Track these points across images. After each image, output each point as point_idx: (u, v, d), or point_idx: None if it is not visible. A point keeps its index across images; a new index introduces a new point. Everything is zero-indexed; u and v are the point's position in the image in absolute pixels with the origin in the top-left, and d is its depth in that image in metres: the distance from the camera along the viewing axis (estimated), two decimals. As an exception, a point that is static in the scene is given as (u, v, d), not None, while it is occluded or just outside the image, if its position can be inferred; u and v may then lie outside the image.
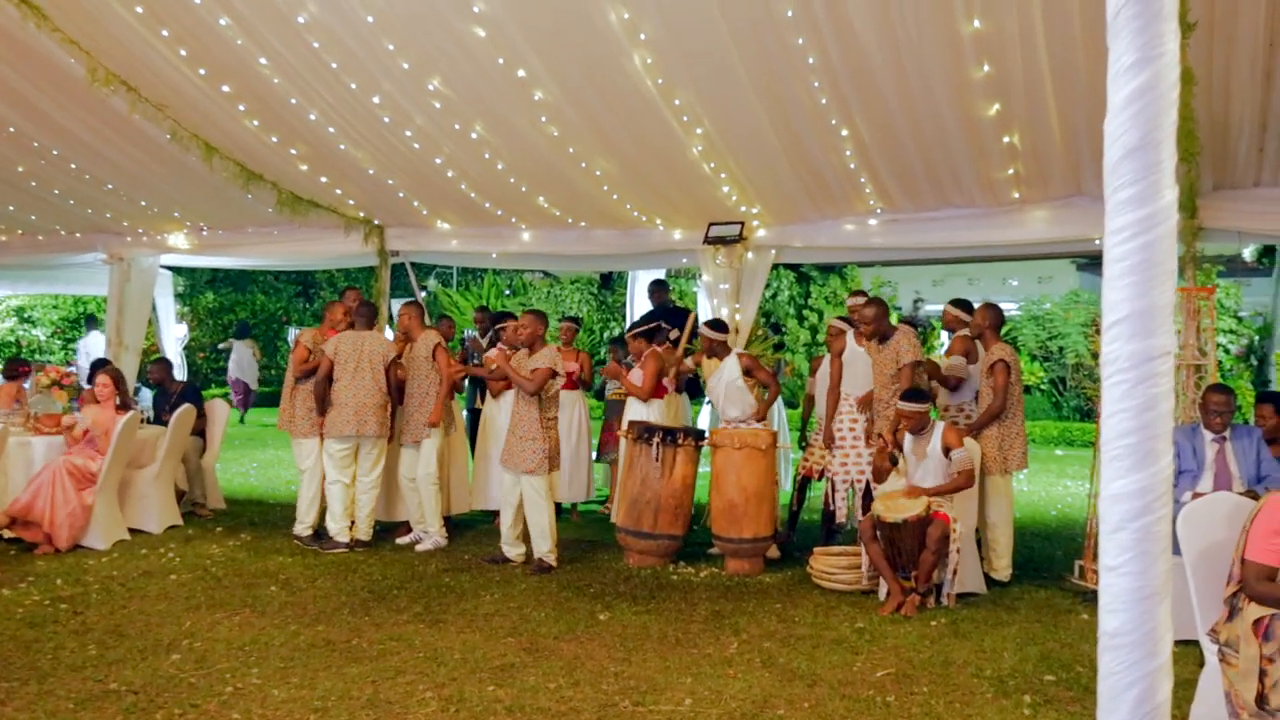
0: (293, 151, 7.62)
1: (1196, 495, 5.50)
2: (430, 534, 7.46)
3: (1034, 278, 24.60)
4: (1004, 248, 7.58)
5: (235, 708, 4.21)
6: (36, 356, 18.15)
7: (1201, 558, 4.00)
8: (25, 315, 19.73)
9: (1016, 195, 7.00)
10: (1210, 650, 3.80)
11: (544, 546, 6.83)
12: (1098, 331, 10.45)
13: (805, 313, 18.68)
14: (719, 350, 7.37)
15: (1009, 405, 6.56)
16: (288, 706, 4.23)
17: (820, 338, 17.67)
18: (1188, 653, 5.06)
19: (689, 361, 7.99)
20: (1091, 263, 22.04)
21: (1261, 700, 3.47)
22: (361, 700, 4.33)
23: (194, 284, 22.68)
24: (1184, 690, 4.50)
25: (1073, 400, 17.12)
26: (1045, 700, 4.48)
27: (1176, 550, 5.33)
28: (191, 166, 7.77)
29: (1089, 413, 16.94)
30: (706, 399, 7.79)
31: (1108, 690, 1.49)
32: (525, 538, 6.97)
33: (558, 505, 8.89)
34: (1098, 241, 7.30)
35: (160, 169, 8.02)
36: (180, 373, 15.21)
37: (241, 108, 7.00)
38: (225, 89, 6.74)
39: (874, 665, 4.95)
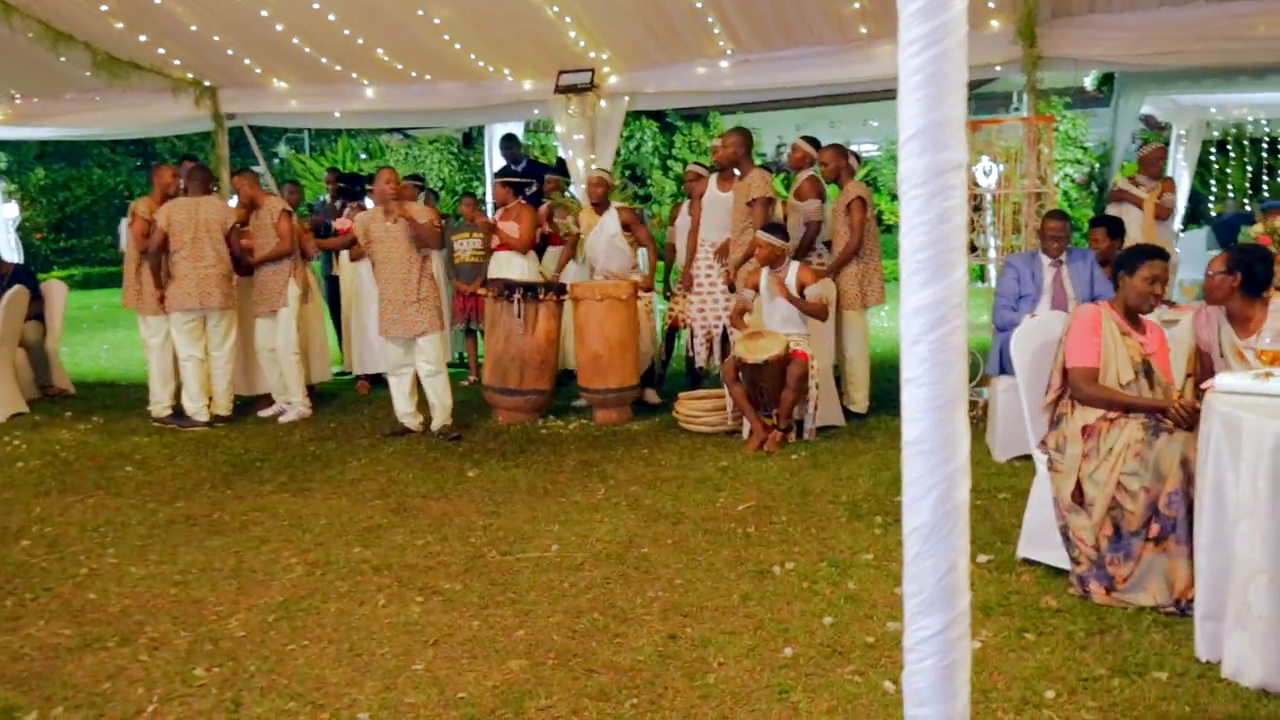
0: (103, 8, 7.05)
1: (1033, 317, 5.76)
2: (294, 404, 7.32)
3: (893, 118, 24.89)
4: (856, 85, 7.58)
5: (91, 588, 4.12)
6: None
7: (1033, 374, 4.21)
8: None
9: (864, 30, 6.98)
10: (1041, 461, 4.04)
11: (448, 411, 6.76)
12: None
13: (669, 162, 18.57)
14: (601, 205, 7.32)
15: (866, 241, 6.69)
16: (147, 583, 4.16)
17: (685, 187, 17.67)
18: (1029, 466, 5.39)
19: (565, 221, 7.90)
20: (947, 101, 22.38)
21: (1078, 493, 3.74)
22: (224, 571, 4.28)
23: (21, 160, 21.24)
24: (1020, 500, 4.81)
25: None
26: (895, 520, 4.71)
27: (1001, 369, 5.60)
28: (-8, 28, 7.13)
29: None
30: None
31: (910, 496, 1.56)
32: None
33: (379, 375, 8.74)
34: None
35: (-43, 31, 7.34)
36: (13, 255, 14.36)
37: (40, -40, 6.42)
38: (19, -62, 6.16)
39: (736, 500, 5.12)
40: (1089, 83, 10.71)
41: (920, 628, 1.58)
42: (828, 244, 7.09)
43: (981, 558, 4.14)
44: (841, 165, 6.82)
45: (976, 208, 6.97)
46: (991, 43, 6.86)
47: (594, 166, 7.92)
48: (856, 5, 6.61)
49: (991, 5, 6.58)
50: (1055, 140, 7.01)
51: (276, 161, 20.43)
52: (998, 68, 7.06)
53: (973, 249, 7.02)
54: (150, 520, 5.03)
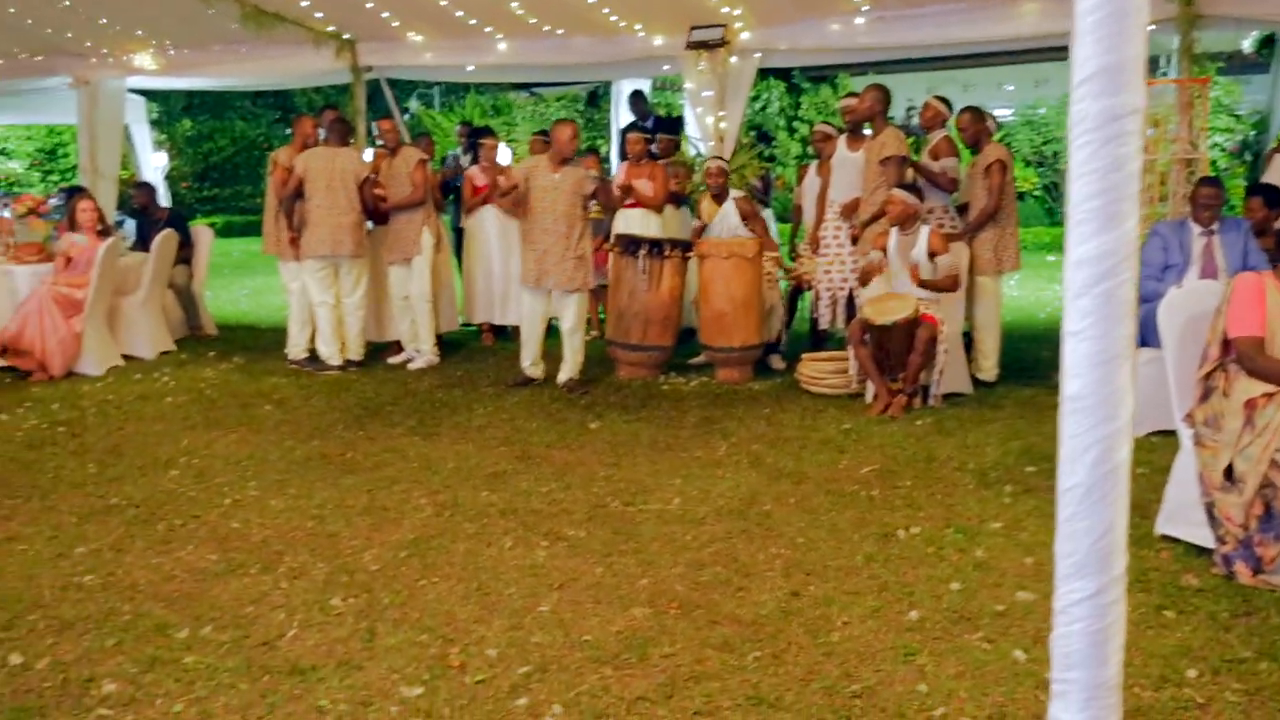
0: (254, -40, 7.27)
1: (1181, 287, 5.51)
2: (423, 352, 7.50)
3: (1030, 81, 23.93)
4: (996, 44, 7.33)
5: (235, 517, 4.33)
6: (15, 189, 17.83)
7: (1181, 346, 4.03)
8: (1, 148, 19.33)
9: (1010, -15, 6.73)
10: (1186, 435, 3.87)
11: (579, 366, 6.82)
12: None
13: (795, 123, 18.29)
14: (721, 196, 7.25)
15: (1003, 206, 6.48)
16: (286, 515, 4.34)
17: (812, 149, 17.38)
18: (1168, 441, 5.18)
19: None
20: (1090, 63, 21.41)
21: (1229, 472, 3.57)
22: (358, 508, 4.44)
23: (170, 112, 22.14)
24: (1161, 476, 4.64)
25: (1065, 206, 16.98)
26: (1025, 490, 4.60)
27: (1157, 342, 5.38)
28: (148, -22, 7.42)
29: (1081, 218, 16.80)
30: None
31: (1068, 453, 1.51)
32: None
33: (504, 327, 8.83)
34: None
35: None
36: (163, 201, 15.03)
37: (196, -88, 6.63)
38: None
39: (859, 462, 5.06)
40: (1247, 45, 10.11)
41: (1072, 590, 1.54)
42: (961, 208, 6.90)
43: (1116, 532, 4.00)
44: (980, 128, 6.61)
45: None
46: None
47: (723, 124, 7.85)
48: (1004, -42, 6.36)
49: (1148, -41, 6.24)
50: (1208, 105, 6.61)
51: (408, 116, 20.81)
52: (1150, 27, 6.70)
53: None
54: (288, 457, 5.23)
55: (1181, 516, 3.88)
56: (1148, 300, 5.67)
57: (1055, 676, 1.61)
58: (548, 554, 3.88)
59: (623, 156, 8.31)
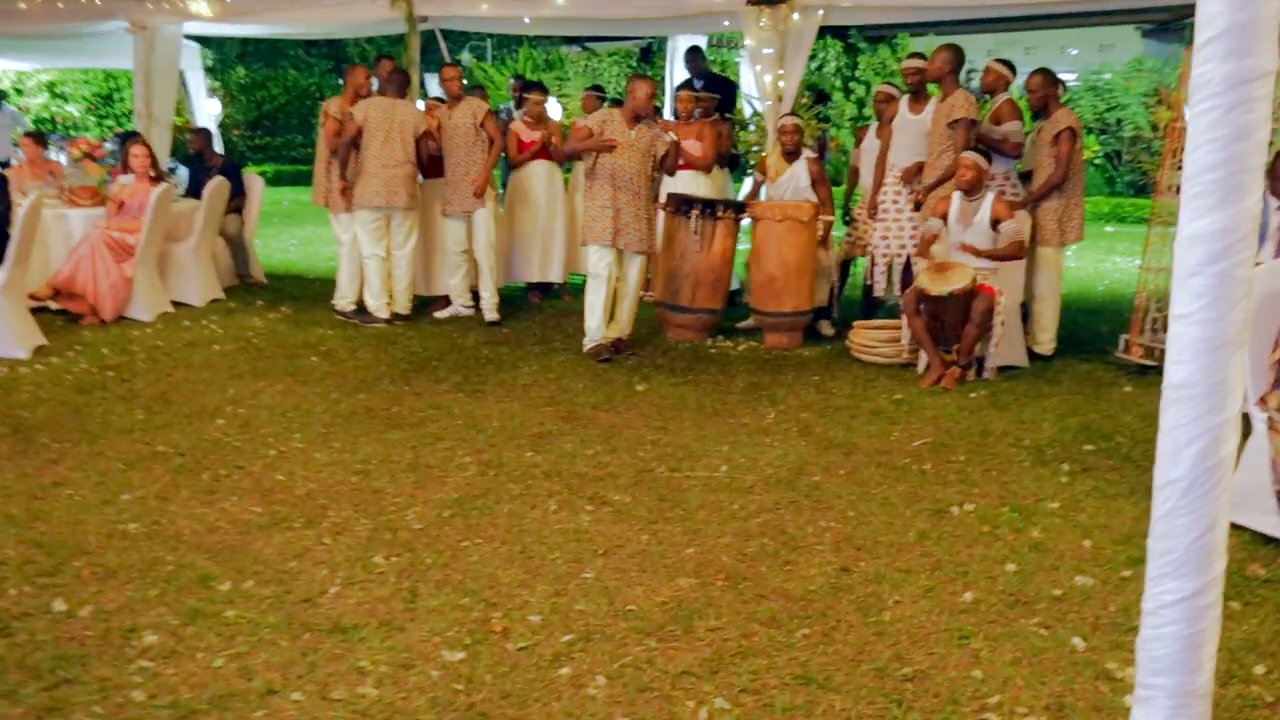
0: (312, -95, 7.16)
1: (1258, 265, 5.30)
2: (487, 300, 7.43)
3: (1095, 46, 23.31)
4: (1065, 3, 7.04)
5: (279, 469, 4.30)
6: (71, 132, 17.98)
7: (1255, 327, 3.85)
8: (57, 91, 19.45)
9: (1085, -55, 6.46)
10: (1259, 419, 3.71)
11: (627, 328, 6.72)
12: (1159, 102, 9.89)
13: (852, 85, 17.91)
14: (794, 154, 7.07)
15: (1071, 175, 6.27)
16: (330, 469, 4.32)
17: (867, 111, 17.02)
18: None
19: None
20: (1159, 28, 20.73)
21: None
22: (402, 464, 4.40)
23: (224, 59, 22.17)
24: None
25: (1127, 175, 16.54)
26: (1083, 469, 4.46)
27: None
28: (206, -77, 7.34)
29: (1143, 188, 16.36)
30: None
31: (1169, 444, 1.40)
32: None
33: (549, 284, 8.72)
34: (1173, -4, 6.77)
35: (173, -74, 7.59)
36: (218, 149, 15.07)
37: None
38: None
39: (911, 435, 4.94)
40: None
41: (1165, 591, 1.43)
42: (1024, 175, 6.69)
43: (1180, 518, 3.86)
44: (1050, 93, 6.38)
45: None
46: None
47: (782, 83, 7.65)
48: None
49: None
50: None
51: (460, 68, 20.74)
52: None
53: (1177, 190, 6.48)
54: (333, 410, 5.21)
55: (1249, 504, 3.72)
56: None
57: (1141, 681, 1.51)
58: (592, 519, 3.82)
59: (675, 115, 8.16)
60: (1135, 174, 16.10)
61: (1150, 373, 6.09)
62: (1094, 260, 11.14)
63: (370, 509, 3.87)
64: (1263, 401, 3.72)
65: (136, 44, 9.59)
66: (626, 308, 6.58)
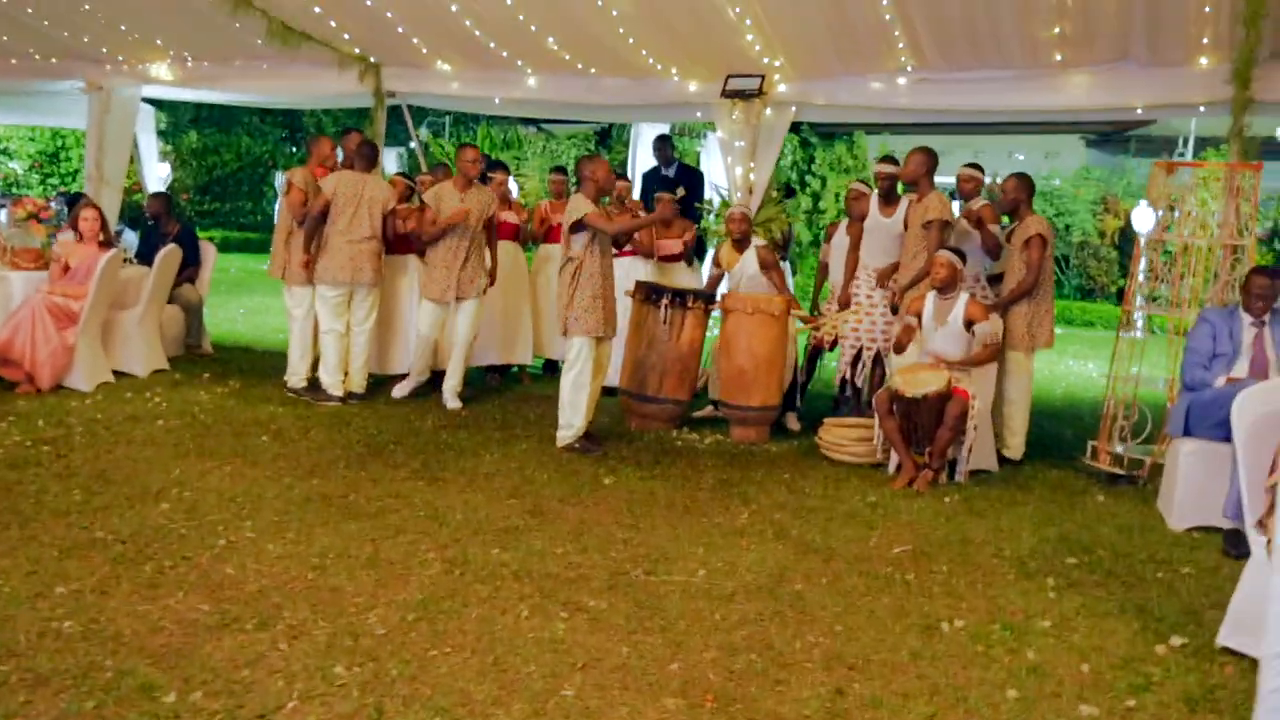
0: (286, -25, 7.06)
1: (1231, 380, 5.30)
2: (449, 385, 7.21)
3: (1040, 153, 24.02)
4: (1045, 114, 7.16)
5: (229, 561, 4.02)
6: (14, 190, 17.54)
7: (1253, 446, 3.79)
8: (2, 148, 19.04)
9: (1058, 57, 6.55)
10: (1257, 543, 3.62)
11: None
12: (1106, 210, 9.99)
13: (808, 179, 18.16)
14: (743, 242, 7.03)
15: (1041, 281, 6.28)
16: (284, 563, 4.04)
17: (823, 205, 17.24)
18: (1210, 538, 4.95)
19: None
20: (1103, 138, 21.43)
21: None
22: (361, 559, 4.14)
23: (177, 123, 21.94)
24: (1209, 577, 4.39)
25: (1075, 279, 16.87)
26: (1069, 583, 4.33)
27: (1202, 432, 5.13)
28: (176, -10, 7.20)
29: (1089, 292, 16.70)
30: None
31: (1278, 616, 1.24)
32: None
33: (554, 363, 8.65)
34: (1140, 110, 6.91)
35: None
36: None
37: (228, -78, 6.43)
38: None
39: (890, 540, 4.79)
40: (1280, 132, 9.99)
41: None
42: (993, 279, 6.70)
43: (1175, 640, 3.75)
44: (1022, 197, 6.42)
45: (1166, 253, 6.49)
46: (1198, 81, 6.38)
47: (752, 176, 7.65)
48: (1056, 30, 6.19)
49: (1205, 41, 6.10)
50: (1259, 192, 6.44)
51: (415, 144, 20.65)
52: (1201, 108, 6.57)
53: (1153, 299, 6.53)
54: (286, 495, 4.93)
55: (1249, 628, 3.61)
56: (1192, 388, 5.47)
57: None
58: (568, 626, 3.59)
59: (644, 200, 8.14)
60: (1083, 278, 16.41)
61: (1120, 482, 6.05)
62: (1048, 363, 11.21)
63: (329, 610, 3.60)
64: (1260, 524, 3.64)
65: (91, 104, 9.37)
66: (592, 396, 6.40)
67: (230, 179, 21.90)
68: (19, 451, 5.39)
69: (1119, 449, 6.28)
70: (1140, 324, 6.59)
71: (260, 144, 22.45)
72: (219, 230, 21.31)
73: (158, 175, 14.63)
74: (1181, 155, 17.84)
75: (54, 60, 9.37)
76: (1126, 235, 15.74)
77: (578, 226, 6.00)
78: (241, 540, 4.27)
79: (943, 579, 4.32)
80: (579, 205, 6.00)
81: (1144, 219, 14.53)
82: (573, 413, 6.16)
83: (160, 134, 18.91)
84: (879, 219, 6.82)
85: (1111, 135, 20.78)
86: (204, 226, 21.50)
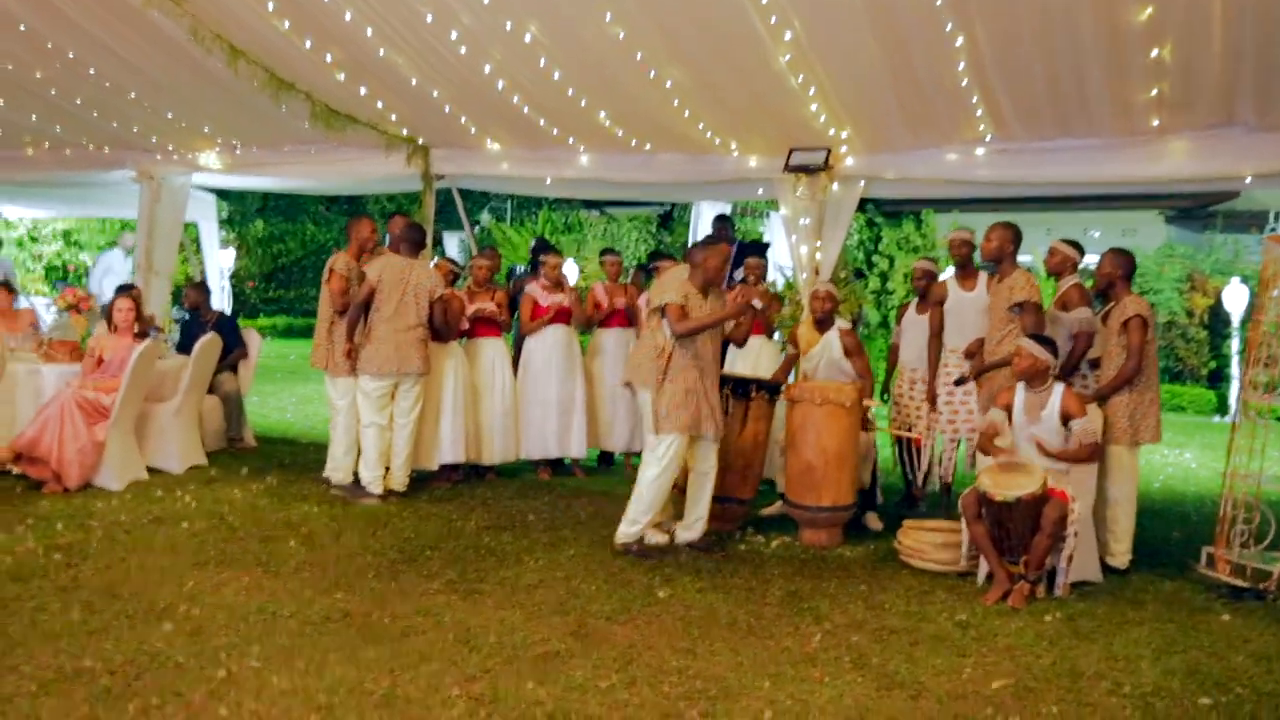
0: (328, 58, 6.80)
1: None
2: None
3: (1118, 230, 23.17)
4: (1134, 184, 6.59)
5: (224, 699, 3.52)
6: (81, 282, 17.71)
7: None
8: (72, 239, 19.32)
9: (1155, 122, 5.99)
10: None
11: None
12: (1194, 288, 9.23)
13: (875, 258, 17.61)
14: (825, 323, 6.55)
15: (1144, 368, 5.64)
16: (286, 700, 3.53)
17: (891, 285, 16.65)
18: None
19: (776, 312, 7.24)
20: (1182, 215, 20.61)
21: None
22: (375, 696, 3.61)
23: (244, 212, 22.21)
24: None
25: (1163, 361, 15.98)
26: (1206, 732, 3.65)
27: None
28: (217, 73, 6.97)
29: (1178, 375, 15.80)
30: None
31: None
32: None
33: (609, 455, 8.17)
34: (1249, 179, 6.30)
35: (184, 74, 7.23)
36: (223, 301, 14.70)
37: (270, 6, 6.18)
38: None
39: (987, 673, 4.14)
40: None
41: None
42: (1093, 363, 6.07)
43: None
44: (1118, 275, 5.81)
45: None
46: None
47: (819, 255, 7.15)
48: (1154, 92, 5.65)
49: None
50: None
51: (478, 229, 20.58)
52: (1248, 179, 5.99)
53: (1273, 388, 5.82)
54: (303, 613, 4.44)
55: None
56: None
57: None
58: (607, 790, 3.01)
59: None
60: (1171, 360, 15.52)
61: (1246, 596, 5.31)
62: (1143, 455, 10.40)
63: (328, 765, 3.08)
64: None
65: (142, 193, 9.25)
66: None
67: (295, 266, 22.04)
68: (29, 560, 5.01)
69: (1239, 557, 5.58)
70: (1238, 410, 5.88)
71: (325, 231, 22.62)
72: (283, 317, 21.39)
73: (221, 264, 14.64)
74: (1274, 230, 17.00)
75: (106, 150, 9.29)
76: (1217, 314, 14.86)
77: (664, 313, 5.56)
78: (244, 671, 3.77)
79: (1054, 724, 3.67)
80: (669, 289, 5.56)
81: (1237, 297, 13.74)
82: (640, 510, 5.63)
83: (224, 223, 19.11)
84: (960, 295, 6.29)
85: (1194, 211, 19.97)
86: (268, 313, 21.62)
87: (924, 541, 5.69)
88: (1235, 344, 13.91)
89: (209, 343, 7.41)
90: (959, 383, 6.29)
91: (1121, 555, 5.76)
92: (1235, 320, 13.82)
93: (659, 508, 5.66)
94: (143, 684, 3.61)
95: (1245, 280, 13.90)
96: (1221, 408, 13.93)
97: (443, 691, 3.68)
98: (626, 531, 5.67)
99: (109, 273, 12.57)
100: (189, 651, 3.93)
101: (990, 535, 5.23)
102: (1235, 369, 13.84)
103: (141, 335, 6.86)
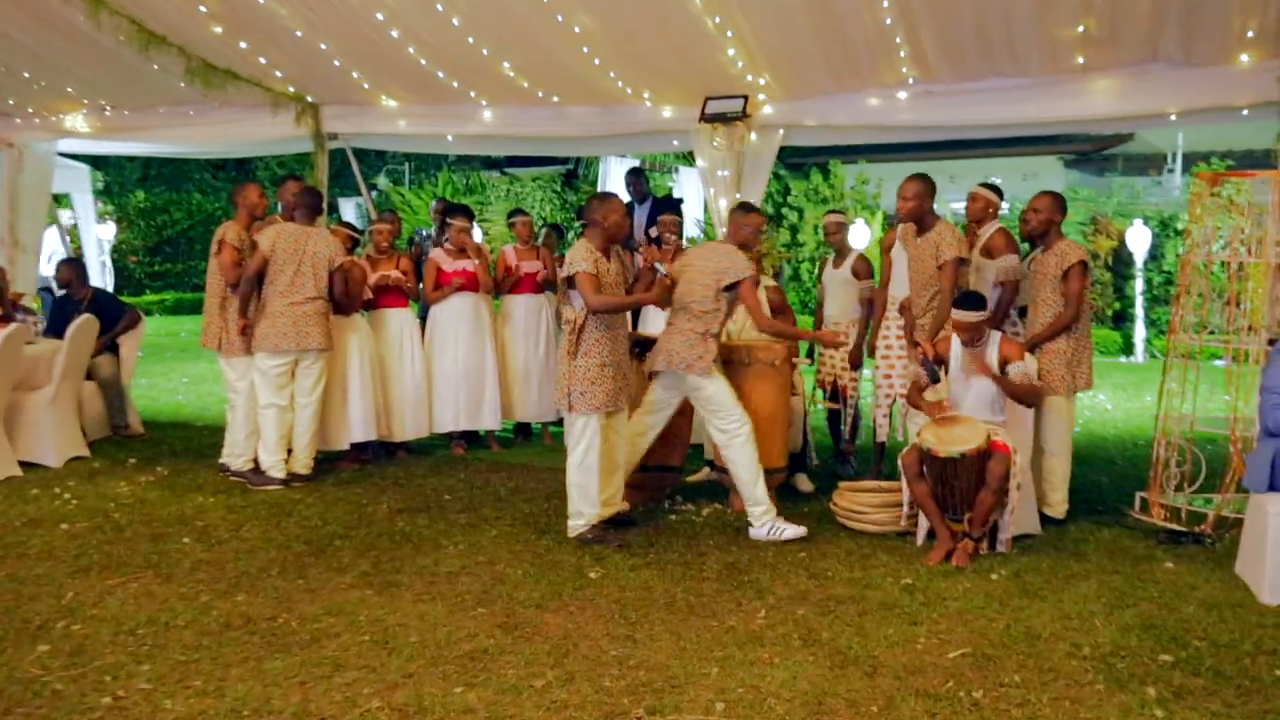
0: (201, 9, 6.22)
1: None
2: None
3: (1018, 175, 23.40)
4: (1063, 125, 6.42)
5: (110, 731, 3.11)
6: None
7: None
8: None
9: (1080, 60, 5.81)
10: None
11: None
12: (1098, 231, 9.07)
13: (784, 210, 17.43)
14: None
15: (1080, 314, 5.49)
16: (183, 728, 3.13)
17: (801, 238, 16.50)
18: None
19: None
20: (1081, 158, 20.89)
21: None
22: (285, 715, 3.23)
23: (123, 181, 21.04)
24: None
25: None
26: (1173, 693, 3.47)
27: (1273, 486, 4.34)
28: (78, 26, 6.35)
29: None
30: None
31: None
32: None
33: (526, 426, 7.85)
34: (1173, 116, 6.17)
35: (39, 27, 6.57)
36: (105, 277, 13.85)
37: (133, -51, 5.61)
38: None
39: (941, 641, 3.93)
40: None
41: None
42: (1021, 310, 5.91)
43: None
44: (1056, 219, 5.62)
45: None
46: (1238, 81, 5.66)
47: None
48: (1080, 29, 5.45)
49: (1250, 34, 5.37)
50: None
51: (375, 193, 19.78)
52: (1244, 111, 5.83)
53: (1204, 328, 5.71)
54: (201, 620, 4.02)
55: None
56: (1275, 434, 4.67)
57: None
58: (553, 811, 2.70)
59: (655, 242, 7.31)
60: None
61: (1184, 540, 5.22)
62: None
63: (232, 805, 2.70)
64: None
65: (2, 162, 8.47)
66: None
67: (181, 238, 20.97)
68: (-119, 576, 4.46)
69: (1174, 501, 5.50)
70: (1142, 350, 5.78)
71: (212, 200, 21.57)
72: (171, 293, 20.39)
73: (99, 238, 13.77)
74: (1170, 171, 17.28)
75: (-39, 116, 8.51)
76: (1120, 256, 15.04)
77: (573, 283, 5.14)
78: (132, 695, 3.35)
79: (1019, 695, 3.46)
80: (578, 257, 5.12)
81: (1140, 238, 13.90)
82: (581, 499, 5.21)
83: (101, 194, 18.02)
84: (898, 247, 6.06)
85: (1092, 154, 20.25)
86: (155, 289, 20.59)
87: (859, 503, 5.47)
88: (1139, 285, 14.08)
89: (84, 324, 6.81)
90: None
91: (1059, 505, 5.63)
92: (1139, 261, 13.99)
93: (597, 489, 5.26)
94: (13, 719, 3.16)
95: (1147, 221, 14.06)
96: (1127, 348, 14.11)
97: (361, 704, 3.31)
98: (573, 526, 5.26)
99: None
100: (68, 675, 3.49)
101: (933, 493, 5.03)
102: (1140, 310, 14.02)
103: (7, 318, 6.24)
